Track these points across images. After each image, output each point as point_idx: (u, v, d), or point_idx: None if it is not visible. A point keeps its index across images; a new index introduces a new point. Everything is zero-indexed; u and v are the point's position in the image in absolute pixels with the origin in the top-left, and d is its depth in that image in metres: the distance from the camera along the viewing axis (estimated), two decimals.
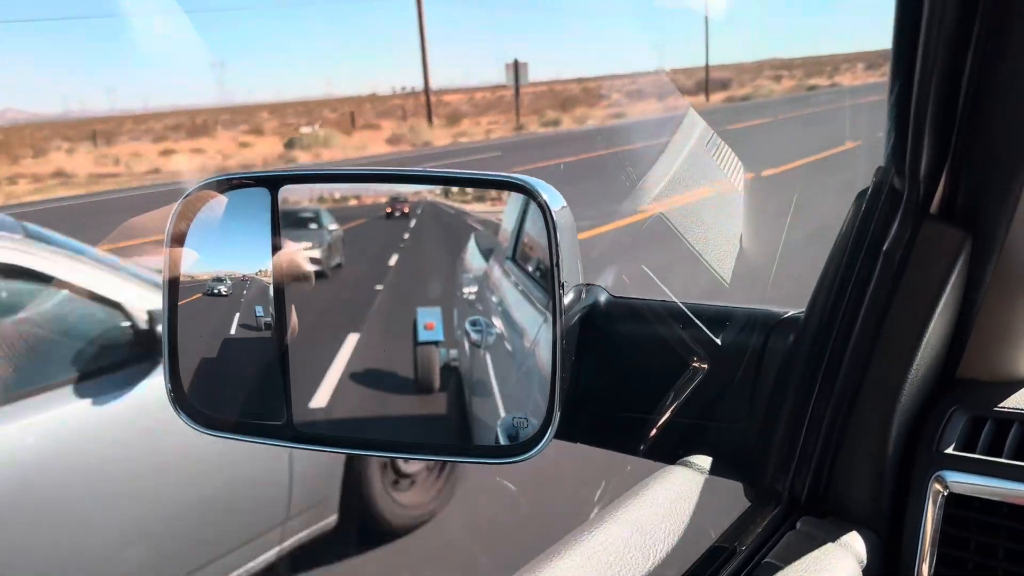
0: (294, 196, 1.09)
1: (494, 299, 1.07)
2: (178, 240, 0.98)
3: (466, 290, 1.05)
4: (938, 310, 0.82)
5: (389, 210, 1.07)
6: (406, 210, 1.06)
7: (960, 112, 0.73)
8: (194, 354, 1.04)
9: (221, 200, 1.00)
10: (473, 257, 1.07)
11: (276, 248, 1.01)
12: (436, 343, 0.99)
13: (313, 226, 1.12)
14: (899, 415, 0.86)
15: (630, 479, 1.00)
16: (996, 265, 0.83)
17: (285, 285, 1.00)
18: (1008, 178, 0.74)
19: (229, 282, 1.04)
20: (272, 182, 0.97)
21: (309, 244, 1.06)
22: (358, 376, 1.04)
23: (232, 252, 1.06)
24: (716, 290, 1.11)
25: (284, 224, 1.02)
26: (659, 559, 0.81)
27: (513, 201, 1.04)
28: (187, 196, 0.98)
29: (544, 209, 0.90)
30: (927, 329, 0.82)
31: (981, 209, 0.79)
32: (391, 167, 0.98)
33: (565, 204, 0.95)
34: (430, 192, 1.05)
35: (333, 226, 1.11)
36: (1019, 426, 0.88)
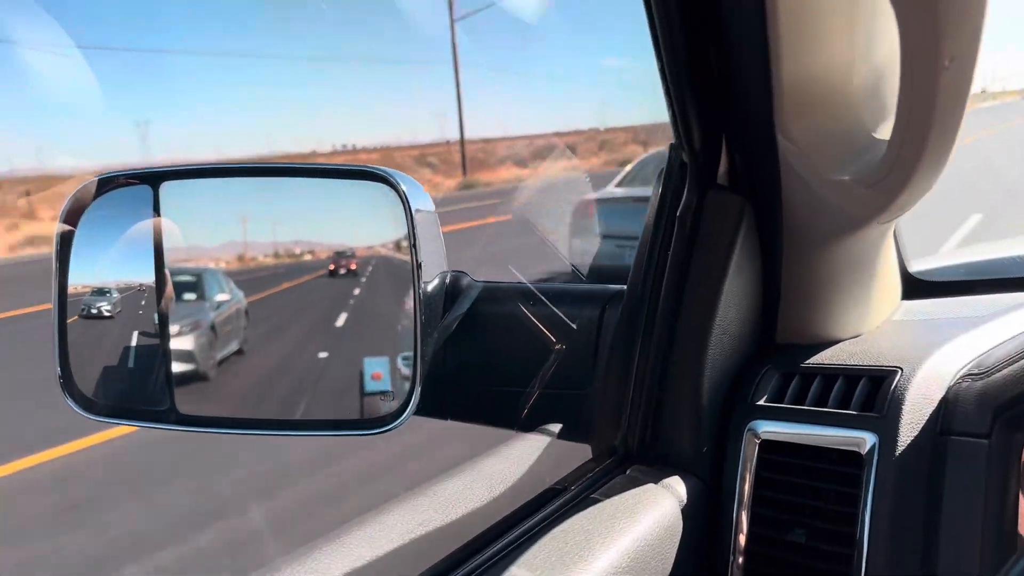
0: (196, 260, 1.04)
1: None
2: (67, 235, 1.05)
3: (404, 327, 1.05)
4: (730, 272, 0.93)
5: (332, 267, 1.06)
6: (353, 267, 1.06)
7: (716, 86, 0.85)
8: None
9: (105, 200, 1.07)
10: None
11: (158, 244, 1.08)
12: (383, 393, 1.02)
13: (190, 296, 1.06)
14: (711, 370, 0.97)
15: None
16: (784, 231, 0.95)
17: (166, 275, 1.07)
18: (767, 145, 0.86)
19: (115, 295, 1.07)
20: (154, 178, 1.05)
21: (176, 328, 1.02)
22: (269, 420, 1.07)
23: (117, 256, 1.12)
24: None
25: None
26: (493, 499, 0.90)
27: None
28: (71, 197, 1.06)
29: (402, 197, 1.00)
30: (722, 289, 0.93)
31: (755, 176, 0.91)
32: (266, 162, 1.07)
33: (428, 196, 1.05)
34: (383, 247, 1.06)
35: (223, 296, 1.06)
36: (821, 378, 0.99)
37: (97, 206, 1.07)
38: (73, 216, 1.07)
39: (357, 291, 1.06)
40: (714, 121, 0.88)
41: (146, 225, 1.09)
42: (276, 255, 1.09)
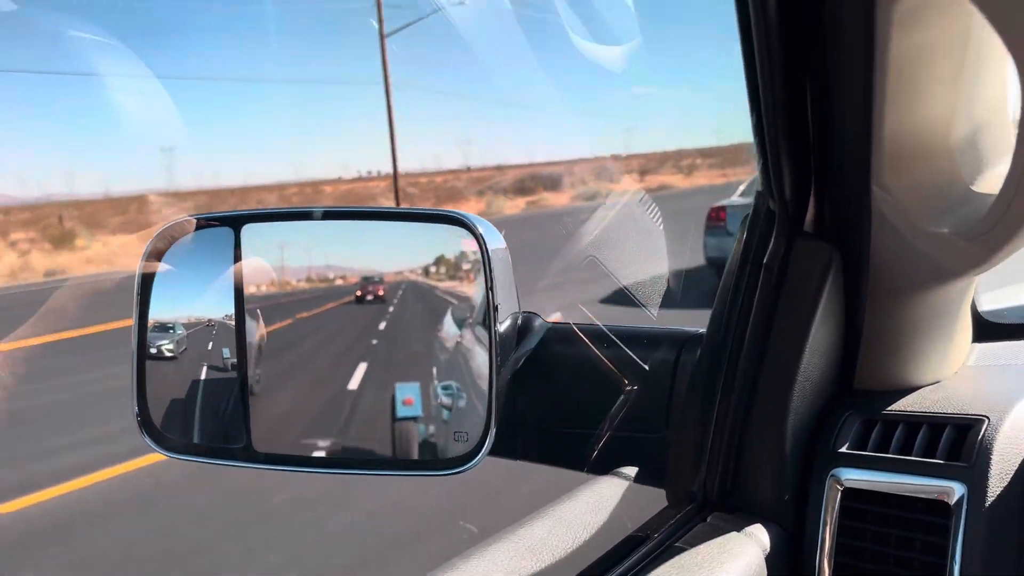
0: None
1: (464, 361, 1.13)
2: (148, 276, 1.07)
3: (442, 359, 1.10)
4: (816, 319, 0.93)
5: (359, 293, 1.06)
6: (381, 292, 1.06)
7: (811, 138, 0.86)
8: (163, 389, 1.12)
9: (188, 239, 1.09)
10: (449, 328, 1.12)
11: (238, 286, 1.10)
12: (414, 419, 1.03)
13: (181, 332, 1.06)
14: (793, 416, 0.97)
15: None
16: (869, 279, 0.95)
17: (246, 315, 1.09)
18: (860, 195, 0.86)
19: (179, 331, 1.07)
20: (235, 221, 1.07)
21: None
22: (346, 459, 1.09)
23: (196, 294, 1.14)
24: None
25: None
26: (578, 546, 0.90)
27: (481, 278, 1.13)
28: (156, 237, 1.08)
29: (479, 240, 1.01)
30: (808, 336, 0.93)
31: (844, 225, 0.91)
32: (343, 205, 1.08)
33: (502, 239, 1.06)
34: (411, 272, 1.07)
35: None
36: (904, 426, 0.98)
37: (179, 246, 1.09)
38: (156, 256, 1.09)
39: (391, 310, 1.06)
40: (805, 170, 0.88)
41: (227, 265, 1.10)
42: (308, 279, 1.10)
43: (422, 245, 1.12)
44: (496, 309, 1.02)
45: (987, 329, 1.23)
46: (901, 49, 0.73)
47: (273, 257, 1.15)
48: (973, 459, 0.90)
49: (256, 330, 1.06)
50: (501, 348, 1.03)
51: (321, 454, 1.10)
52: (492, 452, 1.02)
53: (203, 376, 1.13)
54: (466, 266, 1.11)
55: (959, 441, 0.93)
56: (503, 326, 1.06)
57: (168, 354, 1.07)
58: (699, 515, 0.99)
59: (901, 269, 0.91)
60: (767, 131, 0.83)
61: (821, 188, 0.90)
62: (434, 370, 1.10)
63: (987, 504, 0.88)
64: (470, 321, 1.15)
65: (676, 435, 1.04)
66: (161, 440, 1.08)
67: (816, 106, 0.83)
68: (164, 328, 1.07)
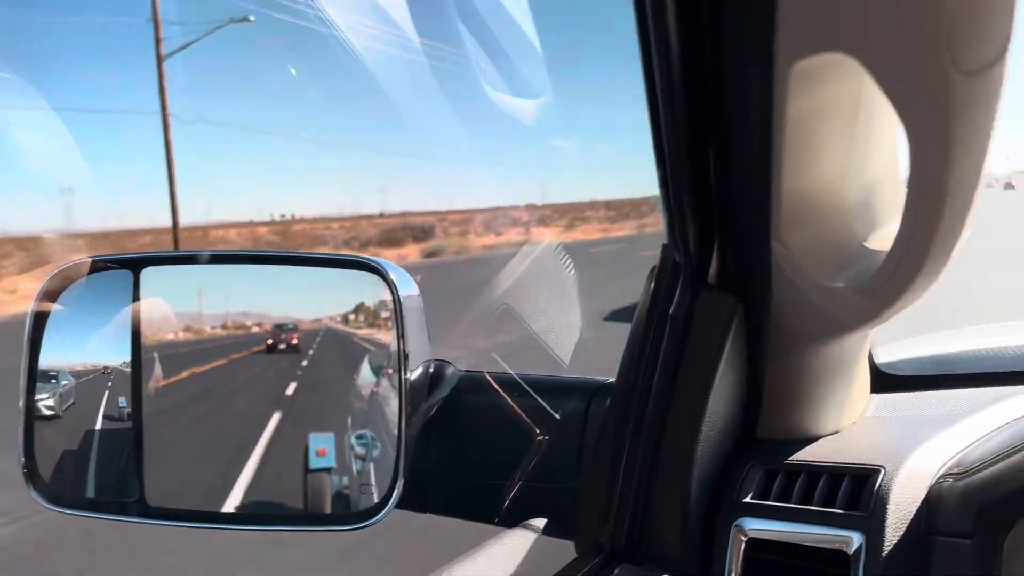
0: None
1: (379, 410, 1.10)
2: (40, 318, 1.02)
3: (357, 407, 1.08)
4: (719, 370, 0.94)
5: (271, 342, 1.02)
6: (295, 341, 1.02)
7: (713, 192, 0.89)
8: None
9: (83, 283, 1.05)
10: (366, 376, 1.11)
11: (136, 331, 1.06)
12: (328, 470, 1.01)
13: (66, 383, 1.02)
14: (699, 466, 0.97)
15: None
16: (770, 331, 0.97)
17: (142, 363, 1.04)
18: (760, 249, 0.89)
19: (65, 381, 1.00)
20: (135, 263, 1.04)
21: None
22: (245, 514, 1.04)
23: (90, 339, 1.09)
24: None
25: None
26: None
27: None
28: (52, 278, 1.03)
29: (391, 286, 1.00)
30: (712, 386, 0.95)
31: (746, 277, 0.94)
32: (251, 249, 1.05)
33: (415, 285, 1.05)
34: (330, 319, 1.05)
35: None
36: (805, 476, 1.00)
37: (75, 289, 1.05)
38: (50, 297, 1.04)
39: (309, 358, 1.04)
40: (709, 224, 0.90)
41: (124, 308, 1.07)
42: (224, 327, 1.06)
43: (341, 292, 1.10)
44: (407, 357, 1.00)
45: (884, 380, 1.28)
46: (796, 110, 0.76)
47: (179, 302, 1.11)
48: (871, 509, 0.92)
49: (152, 377, 1.01)
50: (412, 397, 1.01)
51: (215, 509, 1.05)
52: (400, 505, 1.00)
53: (99, 426, 1.08)
54: (385, 314, 1.10)
55: (857, 490, 0.95)
56: (414, 374, 1.04)
57: (47, 412, 1.01)
58: (607, 567, 0.98)
59: (799, 322, 0.94)
60: (672, 185, 0.85)
61: (724, 241, 0.92)
62: (349, 420, 1.08)
63: (884, 554, 0.89)
64: (387, 369, 1.13)
65: (585, 485, 1.04)
66: (49, 495, 1.02)
67: (718, 162, 0.86)
68: (47, 378, 1.02)
